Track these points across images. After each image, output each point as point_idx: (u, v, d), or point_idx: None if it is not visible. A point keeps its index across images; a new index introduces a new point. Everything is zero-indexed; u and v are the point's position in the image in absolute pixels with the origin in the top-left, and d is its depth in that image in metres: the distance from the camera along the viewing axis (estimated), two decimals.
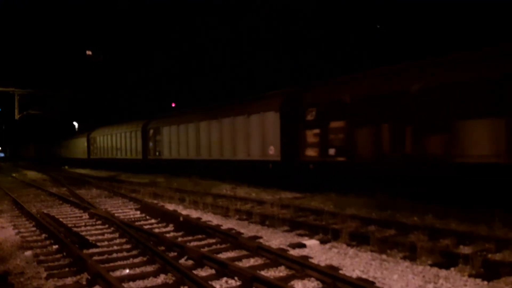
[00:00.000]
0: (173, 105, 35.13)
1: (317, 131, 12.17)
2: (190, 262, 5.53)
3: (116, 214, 9.57)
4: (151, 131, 23.22)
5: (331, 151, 11.67)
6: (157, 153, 22.68)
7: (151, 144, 23.25)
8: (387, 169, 10.14)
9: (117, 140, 27.70)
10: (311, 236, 6.94)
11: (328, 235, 6.82)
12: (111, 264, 5.58)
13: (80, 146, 36.20)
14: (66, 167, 38.03)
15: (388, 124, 10.08)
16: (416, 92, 9.46)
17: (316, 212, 8.93)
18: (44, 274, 5.15)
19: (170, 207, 10.78)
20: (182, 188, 14.67)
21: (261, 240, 6.64)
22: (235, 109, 16.22)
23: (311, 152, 12.33)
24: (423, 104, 9.26)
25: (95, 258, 5.77)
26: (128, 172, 25.98)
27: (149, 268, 5.37)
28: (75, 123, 47.50)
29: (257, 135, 14.66)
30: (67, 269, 5.41)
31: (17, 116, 37.91)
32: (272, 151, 13.85)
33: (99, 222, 8.78)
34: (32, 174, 27.84)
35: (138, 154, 24.76)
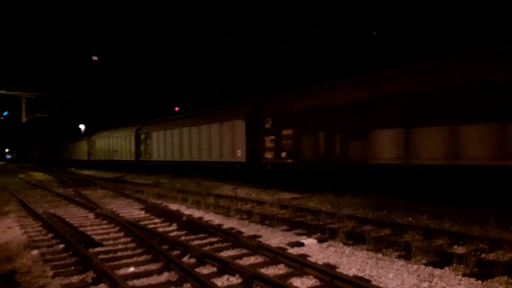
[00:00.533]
0: (177, 109, 35.37)
1: (273, 137, 14.36)
2: (192, 260, 5.66)
3: (121, 214, 9.75)
4: (143, 136, 25.63)
5: (283, 154, 13.85)
6: (147, 155, 25.04)
7: (142, 147, 25.70)
8: (323, 169, 12.29)
9: (114, 143, 30.16)
10: (309, 235, 7.09)
11: (325, 234, 6.97)
12: (116, 262, 5.71)
13: (81, 148, 38.23)
14: (72, 168, 38.36)
15: (324, 132, 12.17)
16: (342, 107, 11.57)
17: (314, 212, 9.12)
18: (50, 273, 5.25)
19: (174, 207, 10.95)
20: (185, 189, 14.87)
21: (261, 239, 6.78)
22: (211, 117, 18.64)
23: (268, 155, 14.58)
24: (347, 116, 11.36)
25: (101, 257, 5.90)
26: (132, 173, 26.25)
27: (153, 266, 5.49)
28: (81, 126, 47.86)
29: (228, 140, 16.90)
30: (73, 267, 5.52)
31: (24, 119, 38.22)
32: (240, 154, 16.14)
33: (104, 221, 8.95)
34: (38, 175, 28.09)
35: (131, 156, 27.09)
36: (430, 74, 9.57)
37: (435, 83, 9.20)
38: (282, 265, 5.33)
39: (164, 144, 22.62)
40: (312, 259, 5.52)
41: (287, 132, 13.63)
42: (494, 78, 8.13)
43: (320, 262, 5.35)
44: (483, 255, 5.60)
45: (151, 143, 24.39)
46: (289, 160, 13.47)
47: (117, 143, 29.52)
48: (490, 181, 8.12)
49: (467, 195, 8.45)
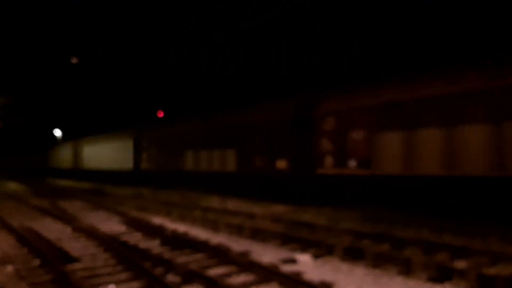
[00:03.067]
0: (161, 115, 34.57)
1: (146, 153, 22.44)
2: (177, 278, 5.33)
3: (100, 228, 9.27)
4: (79, 149, 33.88)
5: (151, 164, 22.05)
6: (81, 164, 33.17)
7: (78, 157, 34.22)
8: (170, 174, 19.99)
9: (62, 154, 39.74)
10: (303, 251, 6.77)
11: (321, 250, 6.66)
12: (96, 280, 5.34)
13: (44, 158, 48.24)
14: (50, 179, 37.32)
15: (170, 150, 19.98)
16: (175, 135, 19.72)
17: (308, 226, 8.74)
18: None
19: (157, 220, 10.51)
20: (169, 201, 14.37)
21: (252, 255, 6.44)
22: (116, 136, 26.13)
23: (144, 165, 22.69)
24: (180, 142, 19.21)
25: (79, 273, 5.52)
26: (111, 185, 25.64)
27: (135, 285, 5.16)
28: (57, 133, 47.03)
29: (126, 153, 24.45)
30: (50, 285, 5.19)
31: None
32: (131, 163, 23.68)
33: (82, 236, 8.49)
34: (13, 185, 27.11)
35: (71, 164, 36.06)
36: (209, 121, 17.57)
37: (207, 127, 17.40)
38: (274, 283, 5.03)
39: (90, 156, 30.41)
40: (307, 276, 5.20)
41: (153, 150, 21.76)
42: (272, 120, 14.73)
43: (315, 280, 5.03)
44: (484, 270, 5.40)
45: (83, 155, 32.69)
46: (153, 168, 21.60)
47: (64, 154, 38.74)
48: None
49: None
